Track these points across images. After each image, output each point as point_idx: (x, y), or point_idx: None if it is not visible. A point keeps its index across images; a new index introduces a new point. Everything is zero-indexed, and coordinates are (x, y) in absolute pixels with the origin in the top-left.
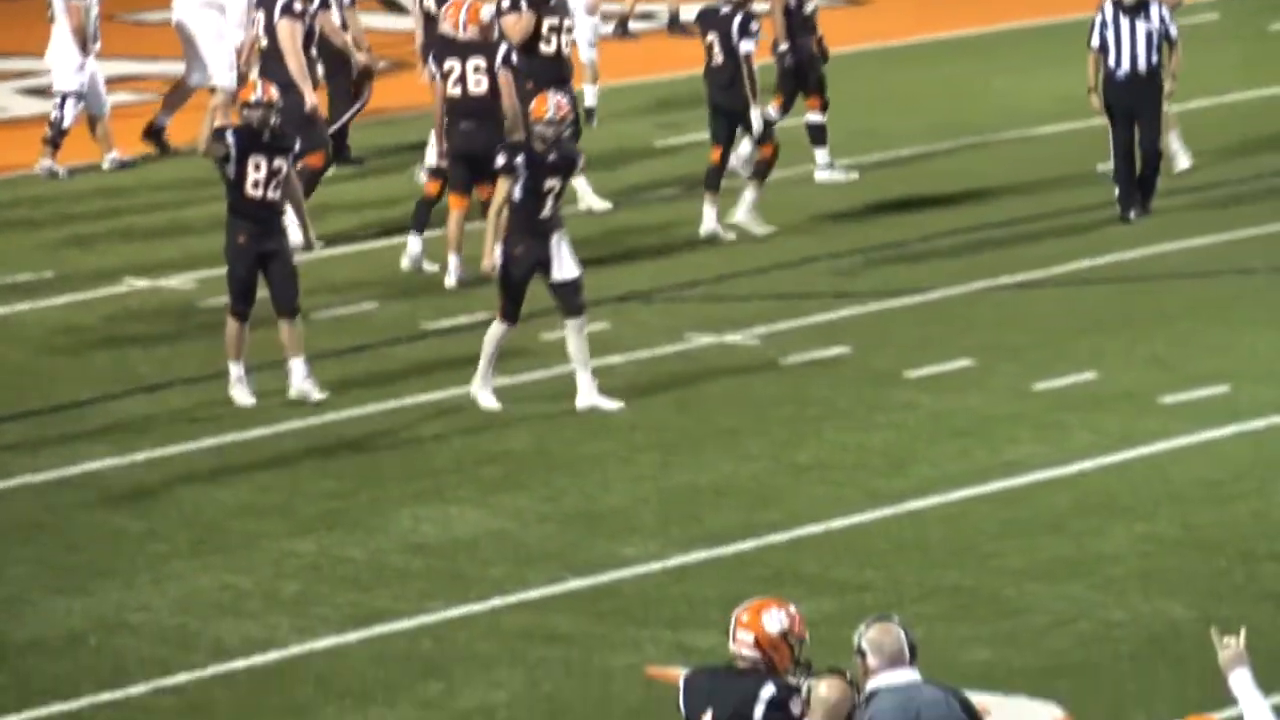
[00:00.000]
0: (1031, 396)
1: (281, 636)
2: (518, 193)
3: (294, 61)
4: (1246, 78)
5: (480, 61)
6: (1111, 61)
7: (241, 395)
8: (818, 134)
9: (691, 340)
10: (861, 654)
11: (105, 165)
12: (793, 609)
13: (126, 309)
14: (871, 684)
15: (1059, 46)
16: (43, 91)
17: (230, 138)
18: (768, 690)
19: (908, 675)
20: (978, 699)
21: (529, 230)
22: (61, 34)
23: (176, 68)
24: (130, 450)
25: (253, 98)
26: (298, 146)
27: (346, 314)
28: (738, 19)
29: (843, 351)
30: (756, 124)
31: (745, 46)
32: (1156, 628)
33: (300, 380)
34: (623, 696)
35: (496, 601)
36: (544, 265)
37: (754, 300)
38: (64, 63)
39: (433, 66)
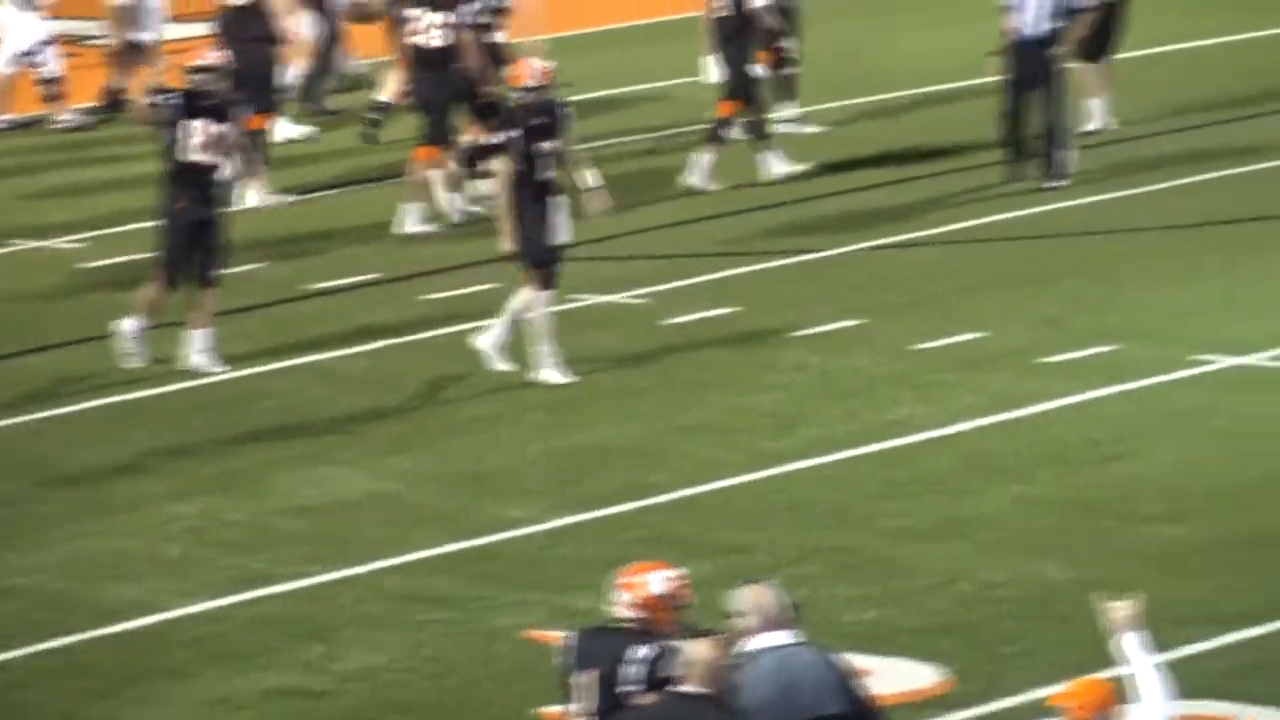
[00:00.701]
0: (916, 356)
1: (164, 599)
2: (518, 161)
3: (276, 21)
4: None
5: (440, 18)
6: (1016, 23)
7: (137, 353)
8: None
9: (578, 300)
10: (738, 615)
11: None
12: (676, 572)
13: (12, 268)
14: (749, 645)
15: (964, 5)
16: None
17: (174, 102)
18: (643, 650)
19: (786, 637)
20: (859, 661)
21: (536, 196)
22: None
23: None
24: (13, 412)
25: (199, 61)
26: (244, 108)
27: (231, 275)
28: None
29: (730, 312)
30: (720, 75)
31: (755, 1)
32: (1036, 588)
33: (198, 353)
34: (505, 658)
35: (379, 564)
36: (550, 228)
37: (641, 260)
38: (16, 23)
39: (396, 12)
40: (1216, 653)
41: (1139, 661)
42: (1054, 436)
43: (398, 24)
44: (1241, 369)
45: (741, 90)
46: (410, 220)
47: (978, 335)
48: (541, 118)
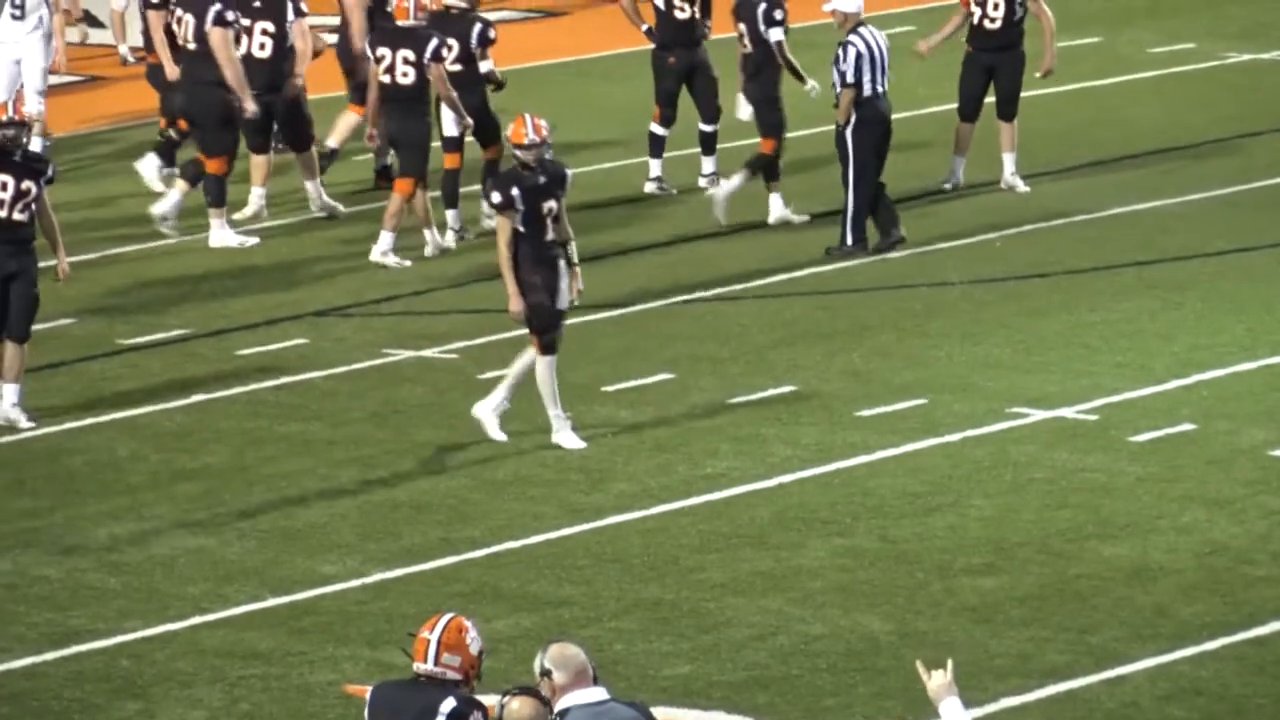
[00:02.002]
0: (730, 410)
1: None
2: (519, 225)
3: (230, 70)
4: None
5: (409, 53)
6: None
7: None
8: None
9: (389, 355)
10: (547, 673)
11: None
12: (472, 622)
13: None
14: (561, 703)
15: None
16: None
17: None
18: (448, 703)
19: (597, 693)
20: (676, 714)
21: (539, 258)
22: None
23: None
24: None
25: (3, 117)
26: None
27: (44, 330)
28: (762, 7)
29: None
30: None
31: (774, 35)
32: (855, 641)
33: (10, 407)
34: (321, 714)
35: (195, 620)
36: (554, 291)
37: (451, 315)
38: None
39: (369, 52)
40: (1033, 705)
41: None
42: (871, 489)
43: (364, 63)
44: (1054, 421)
45: (774, 128)
46: (381, 249)
47: (793, 388)
48: (541, 176)
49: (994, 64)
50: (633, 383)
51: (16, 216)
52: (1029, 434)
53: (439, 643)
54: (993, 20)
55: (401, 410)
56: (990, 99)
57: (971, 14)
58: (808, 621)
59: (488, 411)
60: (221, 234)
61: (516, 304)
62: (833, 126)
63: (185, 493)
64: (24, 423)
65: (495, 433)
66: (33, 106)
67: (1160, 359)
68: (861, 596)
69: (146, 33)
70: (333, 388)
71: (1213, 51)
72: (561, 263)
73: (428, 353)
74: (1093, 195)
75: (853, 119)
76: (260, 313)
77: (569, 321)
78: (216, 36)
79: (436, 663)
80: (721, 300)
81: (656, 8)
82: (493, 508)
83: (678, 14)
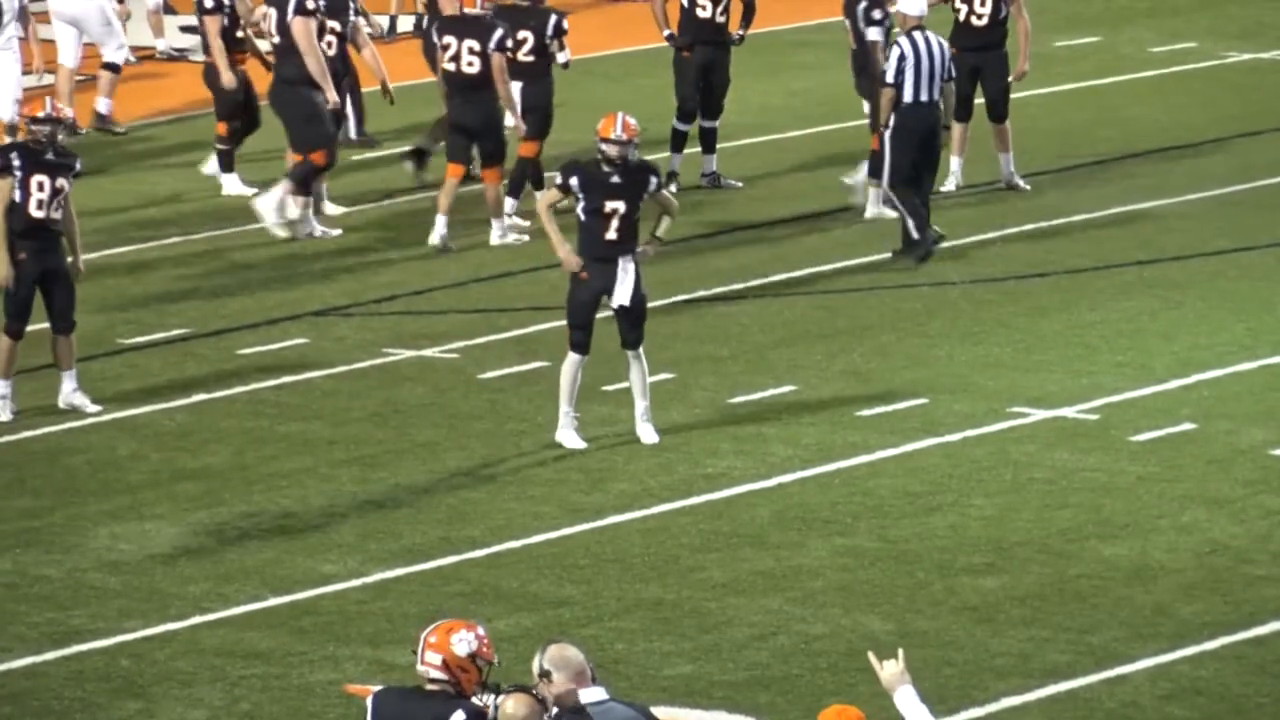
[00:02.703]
0: (731, 409)
1: None
2: (580, 214)
3: (313, 61)
4: None
5: (474, 44)
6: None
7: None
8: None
9: (390, 355)
10: (546, 674)
11: None
12: (481, 630)
13: None
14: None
15: (769, 56)
16: None
17: (15, 157)
18: (457, 716)
19: (598, 693)
20: (677, 714)
21: (593, 253)
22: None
23: None
24: None
25: (40, 114)
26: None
27: (44, 329)
28: (862, 5)
29: (540, 366)
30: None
31: (871, 34)
32: (855, 640)
33: (70, 392)
34: (321, 714)
35: (196, 619)
36: (609, 291)
37: (451, 314)
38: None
39: (435, 39)
40: (1033, 705)
41: (917, 713)
42: (872, 489)
43: (431, 51)
44: (1054, 421)
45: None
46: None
47: (793, 388)
48: (616, 176)
49: (979, 64)
50: (630, 383)
51: (52, 215)
52: (1029, 434)
53: (424, 642)
54: (979, 17)
55: (402, 410)
56: (980, 100)
57: (957, 11)
58: (808, 621)
59: (566, 433)
60: (307, 223)
61: (565, 255)
62: (828, 127)
63: (186, 492)
64: (90, 407)
65: (575, 444)
66: (6, 114)
67: (1160, 358)
68: (862, 596)
69: (204, 35)
70: (333, 387)
71: (1213, 51)
72: (624, 261)
73: (428, 352)
74: (1093, 194)
75: (892, 121)
76: (260, 312)
77: (561, 323)
78: (299, 26)
79: (421, 661)
80: (722, 300)
81: (681, 5)
82: (493, 507)
83: (700, 12)
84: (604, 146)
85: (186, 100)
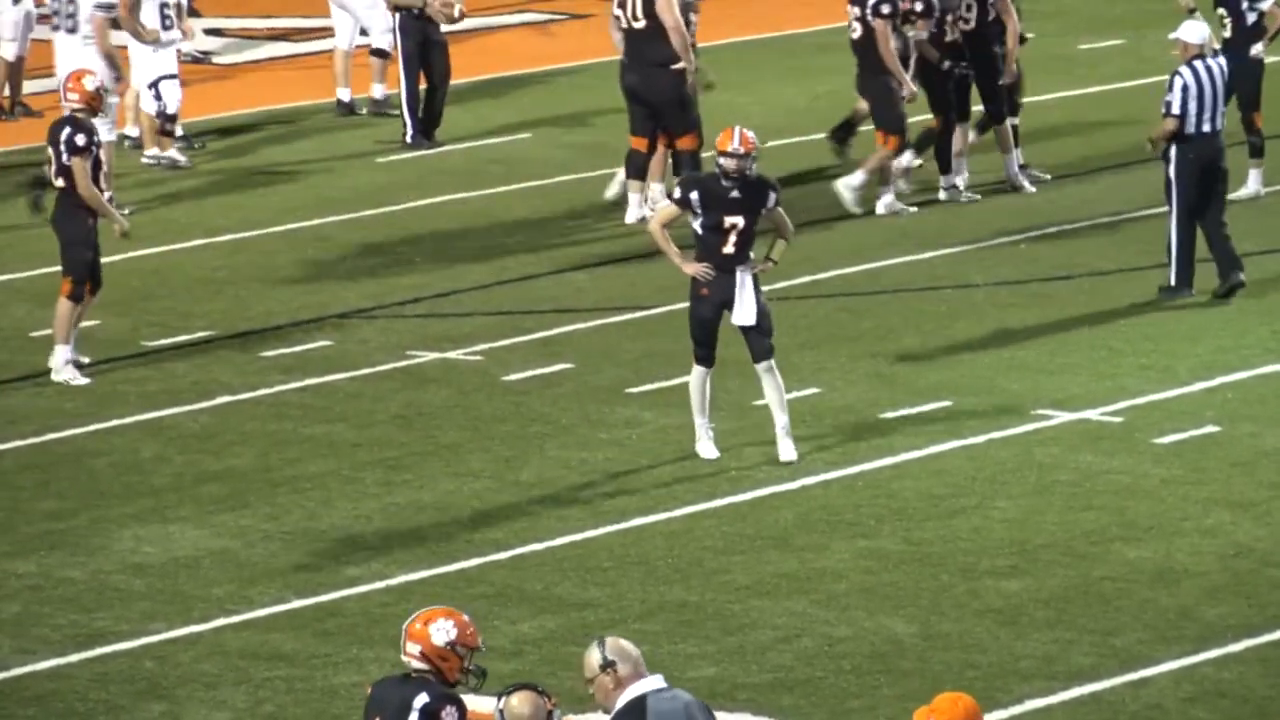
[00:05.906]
0: (755, 412)
1: (2, 657)
2: (698, 228)
3: (678, 38)
4: None
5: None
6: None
7: (70, 374)
8: None
9: (413, 357)
10: (610, 664)
11: None
12: (464, 618)
13: None
14: (631, 691)
15: (794, 60)
16: None
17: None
18: (421, 699)
19: (657, 681)
20: None
21: (713, 267)
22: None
23: None
24: None
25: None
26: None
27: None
28: (884, 6)
29: (564, 368)
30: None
31: (878, 26)
32: (879, 643)
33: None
34: (345, 716)
35: (220, 621)
36: (729, 305)
37: (476, 316)
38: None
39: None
40: (1057, 707)
41: None
42: (896, 491)
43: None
44: (1078, 423)
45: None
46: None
47: (817, 390)
48: (735, 190)
49: (970, 68)
50: (657, 385)
51: (103, 187)
52: (1053, 436)
53: (405, 632)
54: (966, 21)
55: (426, 412)
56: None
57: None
58: (832, 624)
59: (703, 444)
60: (637, 209)
61: (691, 267)
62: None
63: (210, 494)
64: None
65: (710, 454)
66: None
67: (1184, 361)
68: (886, 598)
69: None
70: (357, 389)
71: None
72: (742, 275)
73: (452, 354)
74: (1117, 197)
75: (1174, 154)
76: (284, 315)
77: (596, 323)
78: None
79: (404, 652)
80: None
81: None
82: (517, 510)
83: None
84: (721, 160)
85: (207, 104)
